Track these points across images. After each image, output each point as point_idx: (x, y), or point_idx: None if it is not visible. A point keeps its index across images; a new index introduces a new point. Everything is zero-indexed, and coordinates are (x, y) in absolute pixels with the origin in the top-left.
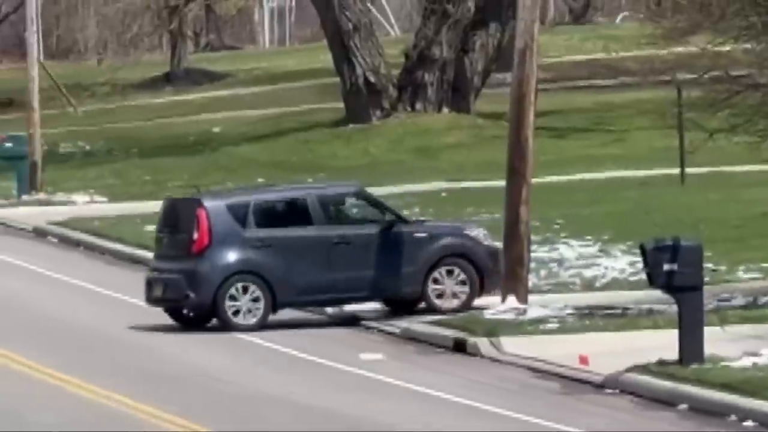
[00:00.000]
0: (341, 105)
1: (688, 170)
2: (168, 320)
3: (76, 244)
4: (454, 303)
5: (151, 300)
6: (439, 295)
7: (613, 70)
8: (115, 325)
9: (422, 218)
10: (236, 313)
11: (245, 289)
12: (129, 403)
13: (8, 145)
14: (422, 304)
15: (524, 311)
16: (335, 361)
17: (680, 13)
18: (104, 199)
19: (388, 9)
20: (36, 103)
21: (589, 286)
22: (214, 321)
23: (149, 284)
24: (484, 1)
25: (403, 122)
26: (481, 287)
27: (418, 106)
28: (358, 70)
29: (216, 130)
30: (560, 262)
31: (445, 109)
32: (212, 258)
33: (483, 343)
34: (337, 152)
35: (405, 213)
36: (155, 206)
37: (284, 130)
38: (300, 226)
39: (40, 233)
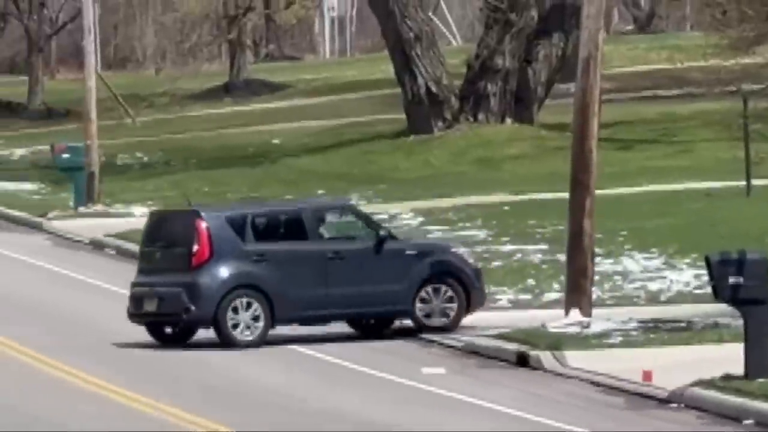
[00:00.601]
0: (402, 116)
1: (755, 182)
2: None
3: (134, 256)
4: (443, 321)
5: (140, 315)
6: (428, 315)
7: (678, 81)
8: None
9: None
10: (235, 326)
11: (246, 304)
12: (188, 418)
13: (66, 156)
14: (408, 323)
15: (588, 325)
16: (397, 375)
17: (747, 22)
18: None
19: (450, 18)
20: (93, 114)
21: (653, 299)
22: (196, 337)
23: (137, 299)
24: (548, 11)
25: (465, 133)
26: (467, 306)
27: (481, 116)
28: (420, 81)
29: (275, 141)
30: (624, 275)
31: (508, 120)
32: (213, 271)
33: (546, 357)
34: (399, 164)
35: (467, 226)
36: None
37: (345, 142)
38: (296, 240)
39: (97, 245)
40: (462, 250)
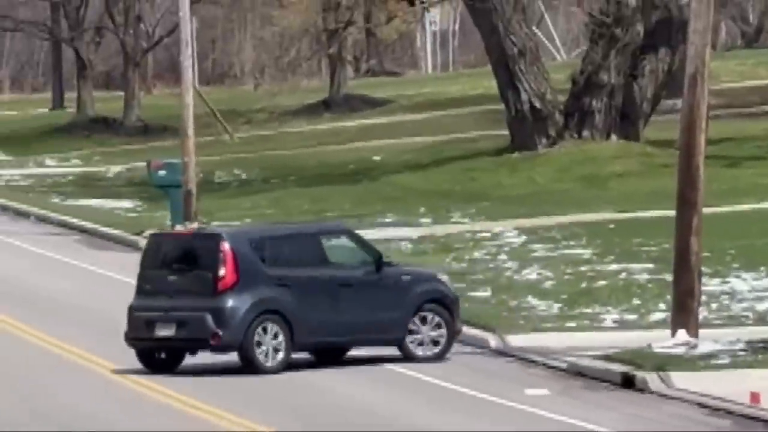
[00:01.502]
0: (506, 132)
1: None
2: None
3: None
4: (434, 351)
5: (152, 339)
6: (419, 343)
7: None
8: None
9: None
10: (260, 352)
11: (270, 330)
12: None
13: (162, 173)
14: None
15: (695, 345)
16: (499, 397)
17: None
18: None
19: (554, 33)
20: (191, 130)
21: (762, 319)
22: (185, 363)
23: (147, 323)
24: (653, 25)
25: (569, 150)
26: (452, 336)
27: (585, 133)
28: (524, 96)
29: (376, 158)
30: (732, 294)
31: (613, 137)
32: (241, 296)
33: (652, 379)
34: (502, 181)
35: (571, 244)
36: None
37: (447, 159)
38: (310, 265)
39: None
40: (444, 277)
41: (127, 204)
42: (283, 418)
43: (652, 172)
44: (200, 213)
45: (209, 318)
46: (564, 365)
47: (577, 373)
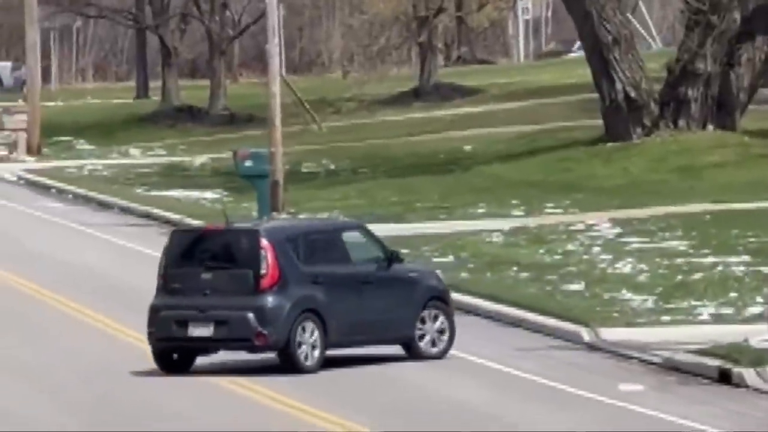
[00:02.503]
0: (600, 122)
1: None
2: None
3: None
4: (436, 349)
5: (185, 339)
6: (427, 341)
7: None
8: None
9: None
10: (300, 352)
11: (309, 328)
12: None
13: (249, 163)
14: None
15: None
16: (593, 392)
17: None
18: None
19: (649, 21)
20: (278, 120)
21: None
22: (197, 363)
23: (180, 323)
24: (751, 12)
25: (665, 140)
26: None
27: (681, 123)
28: (618, 86)
29: (467, 148)
30: None
31: (710, 127)
32: (284, 294)
33: (749, 374)
34: (596, 172)
35: (666, 236)
36: (403, 229)
37: (539, 149)
38: (336, 262)
39: None
40: (440, 274)
41: (212, 195)
42: (384, 418)
43: (749, 162)
44: (288, 204)
45: (252, 317)
46: (659, 360)
47: (672, 367)
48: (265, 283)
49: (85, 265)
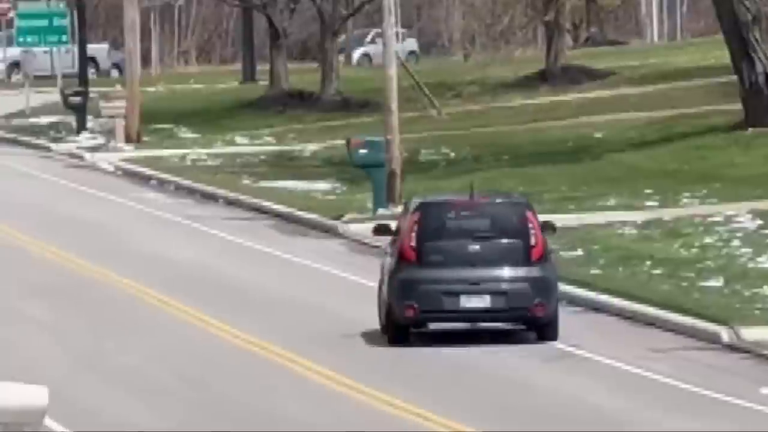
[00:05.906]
0: (739, 106)
1: None
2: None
3: None
4: None
5: (454, 312)
6: None
7: None
8: (488, 356)
9: None
10: None
11: None
12: None
13: (363, 151)
14: None
15: None
16: (733, 396)
17: None
18: None
19: None
20: (394, 105)
21: None
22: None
23: (450, 294)
24: None
25: None
26: None
27: None
28: (759, 68)
29: (597, 134)
30: None
31: None
32: (550, 265)
33: None
34: (734, 159)
35: None
36: None
37: (674, 135)
38: None
39: None
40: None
41: (324, 186)
42: (503, 421)
43: None
44: (405, 195)
45: (530, 288)
46: None
47: None
48: (535, 253)
49: (195, 263)
